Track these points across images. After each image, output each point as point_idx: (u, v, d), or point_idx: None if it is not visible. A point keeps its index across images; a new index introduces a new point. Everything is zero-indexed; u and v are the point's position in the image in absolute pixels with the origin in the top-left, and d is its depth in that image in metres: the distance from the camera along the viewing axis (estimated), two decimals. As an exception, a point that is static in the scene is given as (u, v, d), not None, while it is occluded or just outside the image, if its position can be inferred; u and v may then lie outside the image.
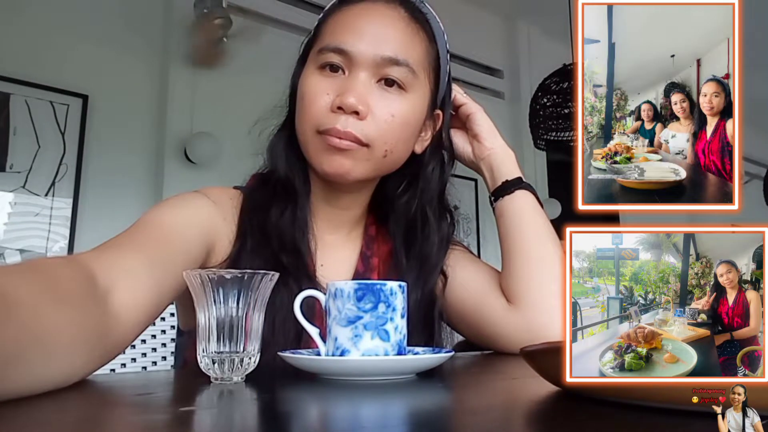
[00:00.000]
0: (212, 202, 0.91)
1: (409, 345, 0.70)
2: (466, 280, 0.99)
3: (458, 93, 1.01)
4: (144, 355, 1.28)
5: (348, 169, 0.88)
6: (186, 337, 0.96)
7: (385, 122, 0.88)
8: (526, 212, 0.96)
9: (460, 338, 1.08)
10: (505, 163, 1.00)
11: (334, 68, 0.89)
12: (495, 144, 1.01)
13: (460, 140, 1.04)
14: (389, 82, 0.89)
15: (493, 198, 1.00)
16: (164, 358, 1.33)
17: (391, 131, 0.89)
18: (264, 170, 0.99)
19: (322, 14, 0.97)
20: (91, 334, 0.60)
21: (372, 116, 0.88)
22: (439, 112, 1.00)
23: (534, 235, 0.95)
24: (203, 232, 0.87)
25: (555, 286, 0.90)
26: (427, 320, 0.96)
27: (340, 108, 0.86)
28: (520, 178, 0.98)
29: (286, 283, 0.80)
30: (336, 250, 1.00)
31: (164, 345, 1.34)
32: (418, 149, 0.98)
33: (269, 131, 1.00)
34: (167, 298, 0.77)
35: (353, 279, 0.98)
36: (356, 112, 0.86)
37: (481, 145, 1.01)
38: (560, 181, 4.53)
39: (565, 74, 2.86)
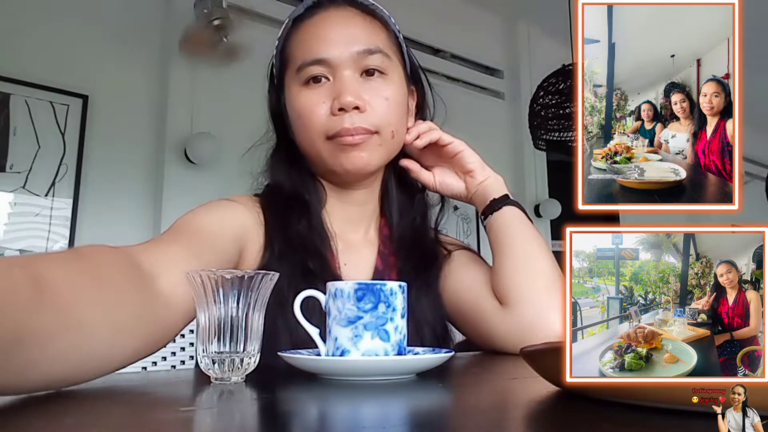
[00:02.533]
0: (244, 207, 0.97)
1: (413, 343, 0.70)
2: (464, 281, 1.02)
3: (442, 134, 1.04)
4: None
5: (367, 160, 0.96)
6: None
7: (382, 107, 0.96)
8: (513, 223, 0.99)
9: (460, 338, 1.09)
10: (494, 187, 1.03)
11: (317, 80, 0.96)
12: (486, 175, 1.04)
13: (452, 179, 1.07)
14: (370, 72, 0.97)
15: (483, 217, 1.03)
16: (164, 358, 1.33)
17: (391, 113, 0.97)
18: (265, 190, 1.05)
19: (279, 42, 1.04)
20: (135, 318, 0.62)
21: (370, 106, 0.94)
22: (413, 87, 1.08)
23: (520, 240, 0.97)
24: (236, 236, 0.92)
25: (542, 283, 0.92)
26: (438, 314, 1.00)
27: (341, 109, 0.92)
28: (506, 195, 1.02)
29: (315, 286, 0.82)
30: (357, 249, 1.04)
31: (164, 345, 1.34)
32: (409, 124, 1.06)
33: (257, 155, 1.08)
34: None
35: (373, 277, 1.02)
36: (357, 107, 0.93)
37: (474, 179, 1.04)
38: (560, 181, 4.53)
39: (565, 74, 2.86)
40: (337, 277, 0.95)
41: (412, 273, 0.98)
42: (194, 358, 1.28)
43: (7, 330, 0.44)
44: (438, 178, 1.06)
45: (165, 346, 0.73)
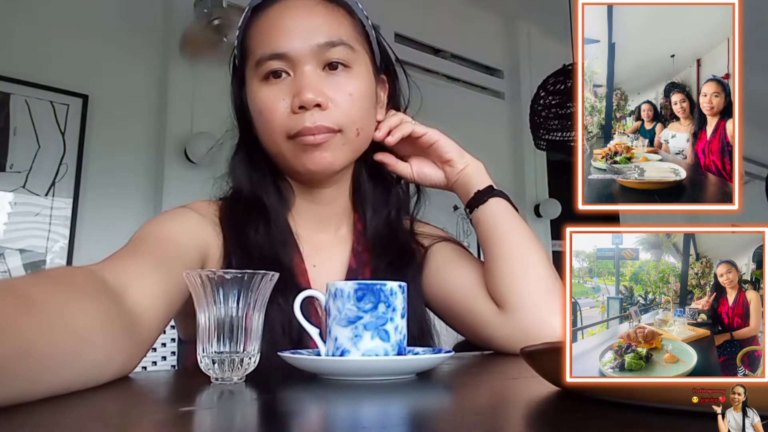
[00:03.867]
0: (201, 217, 0.93)
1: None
2: (455, 280, 0.99)
3: (415, 125, 1.00)
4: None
5: (330, 160, 0.92)
6: (186, 346, 0.97)
7: (346, 104, 0.91)
8: (502, 217, 0.96)
9: (460, 338, 1.08)
10: (475, 175, 1.00)
11: (276, 74, 0.91)
12: (465, 162, 1.01)
13: (430, 169, 1.03)
14: (333, 66, 0.91)
15: (468, 210, 1.00)
16: (164, 358, 1.33)
17: (356, 109, 0.92)
18: (228, 193, 1.01)
19: (239, 32, 0.99)
20: (118, 325, 0.62)
21: (333, 103, 0.90)
22: (383, 76, 1.03)
23: (512, 238, 0.94)
24: (197, 245, 0.89)
25: (540, 286, 0.90)
26: (417, 315, 0.96)
27: (302, 107, 0.88)
28: (491, 187, 0.99)
29: (274, 300, 0.78)
30: (327, 249, 1.01)
31: (164, 345, 1.34)
32: (380, 116, 1.01)
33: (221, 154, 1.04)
34: (177, 298, 0.78)
35: (347, 276, 0.99)
36: (318, 105, 0.88)
37: (453, 168, 1.01)
38: (560, 181, 4.54)
39: (566, 74, 2.86)
40: (301, 284, 0.92)
41: (387, 271, 0.96)
42: (176, 358, 1.28)
43: (11, 345, 0.44)
44: (415, 169, 1.03)
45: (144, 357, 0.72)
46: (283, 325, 0.83)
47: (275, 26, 0.92)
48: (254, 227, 0.94)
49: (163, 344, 1.34)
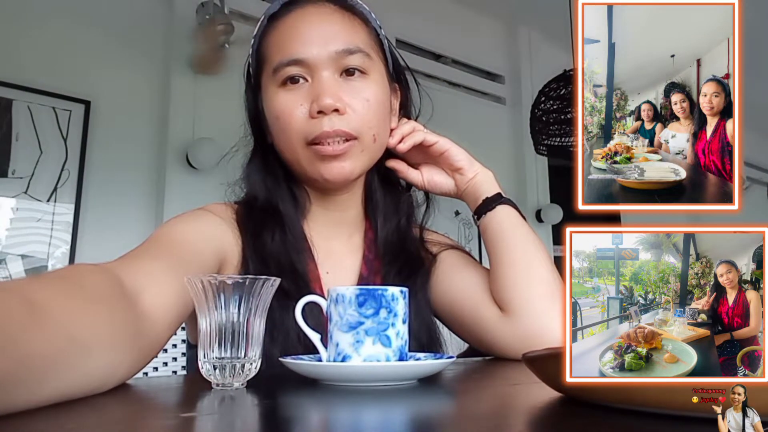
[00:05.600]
0: (221, 219, 0.94)
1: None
2: (460, 287, 1.00)
3: (427, 134, 1.01)
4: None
5: (349, 169, 0.92)
6: (196, 350, 0.97)
7: (363, 109, 0.92)
8: (508, 224, 0.97)
9: (465, 346, 1.08)
10: (485, 184, 1.01)
11: (294, 80, 0.92)
12: (475, 171, 1.02)
13: (440, 177, 1.04)
14: (350, 72, 0.93)
15: (476, 216, 1.01)
16: (165, 363, 1.33)
17: (372, 115, 0.93)
18: (242, 199, 1.01)
19: (254, 40, 0.99)
20: (126, 333, 0.61)
21: (350, 108, 0.91)
22: (395, 84, 1.04)
23: (517, 244, 0.95)
24: (215, 250, 0.89)
25: (544, 290, 0.90)
26: (424, 322, 0.97)
27: (320, 112, 0.89)
28: (499, 194, 1.00)
29: (288, 307, 0.78)
30: (340, 256, 1.01)
31: (165, 350, 1.34)
32: (393, 124, 1.02)
33: (235, 160, 1.04)
34: (190, 303, 0.76)
35: (358, 283, 0.99)
36: (336, 110, 0.89)
37: (463, 176, 1.02)
38: (561, 186, 4.54)
39: (567, 79, 2.86)
40: (315, 291, 0.92)
41: (397, 278, 0.96)
42: (186, 361, 1.28)
43: (13, 356, 0.44)
44: (426, 177, 1.04)
45: (150, 361, 0.72)
46: (299, 333, 0.83)
47: (293, 33, 0.93)
48: (270, 234, 0.94)
49: (164, 350, 1.34)
